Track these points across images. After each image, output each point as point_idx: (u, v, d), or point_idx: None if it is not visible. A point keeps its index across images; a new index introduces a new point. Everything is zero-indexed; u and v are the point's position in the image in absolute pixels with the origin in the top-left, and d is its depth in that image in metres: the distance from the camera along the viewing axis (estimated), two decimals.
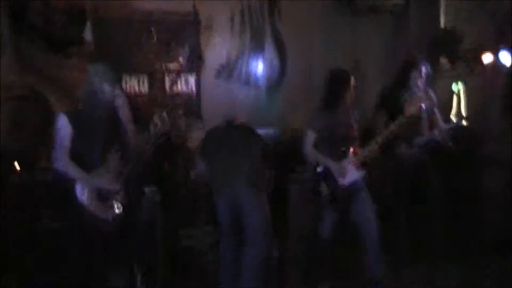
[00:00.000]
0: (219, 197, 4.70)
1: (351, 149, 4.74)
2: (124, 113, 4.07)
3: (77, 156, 3.82)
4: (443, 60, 6.88)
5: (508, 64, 6.23)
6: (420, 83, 5.48)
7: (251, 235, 4.56)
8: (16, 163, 5.03)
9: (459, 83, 6.75)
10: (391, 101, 5.42)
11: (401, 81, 5.57)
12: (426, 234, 5.75)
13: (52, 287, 4.55)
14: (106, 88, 3.88)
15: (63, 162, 3.79)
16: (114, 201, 3.90)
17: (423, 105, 4.78)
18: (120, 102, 4.03)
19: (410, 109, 4.70)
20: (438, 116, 5.69)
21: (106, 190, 3.86)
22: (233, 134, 4.80)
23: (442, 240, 5.66)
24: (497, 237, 5.77)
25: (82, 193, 3.81)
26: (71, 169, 3.78)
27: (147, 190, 4.86)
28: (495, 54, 6.31)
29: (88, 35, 5.52)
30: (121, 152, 3.95)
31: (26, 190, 4.92)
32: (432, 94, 5.53)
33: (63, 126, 3.80)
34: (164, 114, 4.01)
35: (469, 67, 6.60)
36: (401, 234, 5.72)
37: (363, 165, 4.72)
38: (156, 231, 4.93)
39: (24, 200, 4.89)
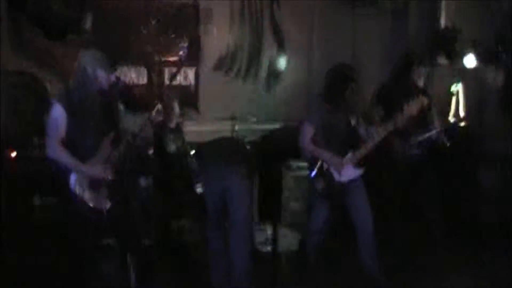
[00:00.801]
0: (208, 186, 4.81)
1: (349, 146, 4.74)
2: (119, 101, 4.06)
3: (71, 144, 3.79)
4: (441, 59, 6.88)
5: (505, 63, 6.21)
6: (419, 81, 5.48)
7: (236, 222, 4.64)
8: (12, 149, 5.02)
9: (458, 84, 6.75)
10: (389, 98, 5.41)
11: (399, 78, 5.57)
12: (422, 232, 5.78)
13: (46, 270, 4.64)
14: (100, 75, 3.83)
15: (56, 151, 3.76)
16: (108, 191, 3.89)
17: (422, 104, 4.76)
18: (115, 89, 3.99)
19: (409, 109, 4.68)
20: (435, 114, 5.70)
21: (100, 179, 3.84)
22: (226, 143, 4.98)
23: (439, 238, 5.67)
24: (495, 235, 5.78)
25: (76, 182, 3.80)
26: (64, 158, 3.76)
27: (141, 180, 4.86)
28: (493, 53, 6.29)
29: (87, 24, 5.48)
30: (115, 140, 3.91)
31: (21, 168, 4.98)
32: (429, 93, 5.55)
33: (58, 115, 3.76)
34: (160, 106, 3.99)
35: (467, 66, 6.58)
36: (397, 232, 5.74)
37: (360, 162, 4.72)
38: (150, 221, 4.94)
39: (19, 178, 4.94)
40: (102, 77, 3.84)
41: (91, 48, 4.01)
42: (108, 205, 3.89)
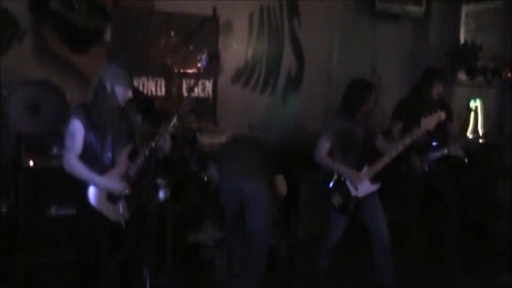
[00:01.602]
0: (226, 190, 4.77)
1: (366, 160, 4.73)
2: (135, 116, 4.09)
3: (90, 157, 3.82)
4: (462, 74, 6.85)
5: None
6: (439, 95, 5.46)
7: (252, 230, 4.62)
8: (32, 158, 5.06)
9: (477, 100, 6.72)
10: (408, 112, 5.41)
11: (419, 93, 5.57)
12: (439, 245, 5.75)
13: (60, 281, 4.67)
14: (118, 91, 3.85)
15: (73, 164, 3.78)
16: (126, 204, 3.90)
17: (439, 118, 4.73)
18: (133, 103, 4.02)
19: (426, 124, 4.65)
20: (454, 130, 5.67)
21: (117, 192, 3.86)
22: (246, 143, 4.91)
23: (455, 252, 5.65)
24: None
25: (94, 195, 3.83)
26: (81, 171, 3.78)
27: (160, 192, 4.88)
28: None
29: (108, 35, 5.53)
30: (133, 153, 3.93)
31: (39, 176, 4.98)
32: (449, 108, 5.52)
33: (75, 129, 3.78)
34: (175, 119, 4.01)
35: (488, 81, 6.54)
36: (413, 244, 5.73)
37: (377, 176, 4.70)
38: (166, 229, 4.96)
39: (37, 187, 4.95)
40: (120, 93, 3.86)
41: (111, 63, 4.03)
42: (126, 218, 3.91)
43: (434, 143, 5.43)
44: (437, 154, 5.43)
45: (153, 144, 3.93)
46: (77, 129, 3.78)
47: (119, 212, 3.89)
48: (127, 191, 3.88)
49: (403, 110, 5.58)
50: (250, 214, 4.61)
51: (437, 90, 5.54)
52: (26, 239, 4.95)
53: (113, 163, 3.87)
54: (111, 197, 3.86)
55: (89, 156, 3.82)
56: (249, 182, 4.64)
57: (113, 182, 3.84)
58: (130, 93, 3.93)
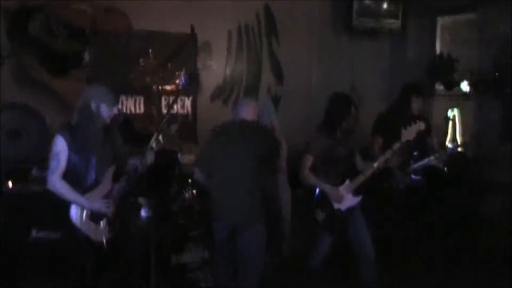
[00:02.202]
0: (218, 221, 4.52)
1: (348, 175, 4.75)
2: (118, 135, 4.09)
3: (73, 177, 3.82)
4: (439, 86, 6.93)
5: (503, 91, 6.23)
6: (418, 109, 5.51)
7: (244, 260, 4.49)
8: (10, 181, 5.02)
9: (455, 109, 6.79)
10: (388, 127, 5.43)
11: (398, 108, 5.61)
12: (422, 258, 5.76)
13: None
14: (103, 110, 3.88)
15: (56, 184, 3.79)
16: (108, 224, 3.90)
17: (419, 129, 4.78)
18: (116, 124, 4.05)
19: (406, 136, 4.70)
20: (433, 141, 5.71)
21: (100, 213, 3.86)
22: (237, 138, 4.46)
23: (439, 264, 5.66)
24: (495, 261, 5.74)
25: (77, 215, 3.81)
26: (64, 191, 3.79)
27: (142, 211, 4.84)
28: (491, 80, 6.32)
29: (86, 57, 5.52)
30: (116, 173, 3.95)
31: (19, 200, 4.94)
32: (428, 121, 5.57)
33: (60, 149, 3.79)
34: (160, 138, 4.01)
35: (465, 93, 6.61)
36: (397, 257, 5.72)
37: (359, 190, 4.72)
38: (150, 249, 4.91)
39: (17, 211, 4.90)
40: (105, 112, 3.89)
41: (95, 84, 4.05)
42: (108, 237, 3.89)
43: (415, 153, 5.46)
44: (418, 165, 5.46)
45: (138, 164, 3.94)
46: (61, 150, 3.79)
47: (101, 232, 3.87)
48: (109, 211, 3.88)
49: (383, 126, 5.61)
50: (244, 233, 4.40)
51: (416, 105, 5.58)
52: (7, 264, 4.88)
53: (96, 184, 3.88)
54: (94, 217, 3.85)
55: (72, 176, 3.82)
56: (243, 218, 4.38)
57: (96, 202, 3.84)
58: (115, 110, 3.96)
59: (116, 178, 3.94)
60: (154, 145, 4.03)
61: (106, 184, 3.90)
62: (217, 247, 4.64)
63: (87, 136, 3.83)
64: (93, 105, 3.85)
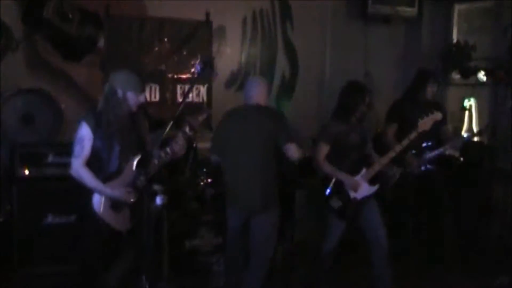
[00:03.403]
0: (232, 207, 4.59)
1: (364, 163, 4.73)
2: (145, 123, 4.06)
3: (96, 162, 3.82)
4: (455, 74, 6.87)
5: None
6: (433, 96, 5.47)
7: (256, 247, 4.54)
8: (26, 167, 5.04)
9: (471, 99, 6.74)
10: (403, 114, 5.42)
11: (413, 95, 5.57)
12: (436, 246, 5.76)
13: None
14: (130, 97, 3.84)
15: (79, 171, 3.79)
16: (129, 213, 3.90)
17: (436, 119, 4.76)
18: (142, 112, 4.01)
19: (422, 126, 4.68)
20: (448, 131, 5.68)
21: (121, 201, 3.85)
22: (248, 120, 4.49)
23: (452, 253, 5.66)
24: (508, 251, 5.73)
25: (98, 202, 3.82)
26: (87, 178, 3.79)
27: (157, 199, 4.86)
28: (507, 68, 6.25)
29: (100, 43, 5.50)
30: (141, 162, 3.90)
31: (34, 185, 5.00)
32: (444, 109, 5.53)
33: (84, 135, 3.79)
34: (188, 131, 3.97)
35: (481, 81, 6.55)
36: (410, 245, 5.73)
37: (375, 179, 4.70)
38: (163, 236, 4.93)
39: (33, 195, 4.98)
40: (132, 98, 3.85)
41: (121, 69, 3.98)
42: (128, 226, 3.91)
43: (424, 144, 5.43)
44: (433, 154, 5.43)
45: (163, 153, 3.91)
46: (85, 135, 3.78)
47: (121, 221, 3.89)
48: (132, 200, 3.87)
49: (398, 112, 5.60)
50: (258, 219, 4.47)
51: (431, 91, 5.55)
52: (23, 249, 4.93)
53: (119, 171, 3.86)
54: (116, 206, 3.86)
55: (95, 162, 3.82)
56: (257, 203, 4.43)
57: (118, 191, 3.83)
58: (142, 98, 3.92)
59: (142, 166, 3.88)
60: (187, 130, 3.96)
61: (129, 172, 3.86)
62: (230, 234, 4.68)
63: (111, 123, 3.79)
64: (120, 92, 3.81)
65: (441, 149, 5.46)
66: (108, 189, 3.81)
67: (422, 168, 5.48)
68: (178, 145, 3.94)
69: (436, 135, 5.47)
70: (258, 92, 4.56)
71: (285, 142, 4.41)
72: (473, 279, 5.40)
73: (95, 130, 3.78)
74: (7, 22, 5.07)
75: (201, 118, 4.11)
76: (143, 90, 3.96)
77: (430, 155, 5.42)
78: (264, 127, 4.43)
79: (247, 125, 4.46)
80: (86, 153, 3.79)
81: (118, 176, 3.85)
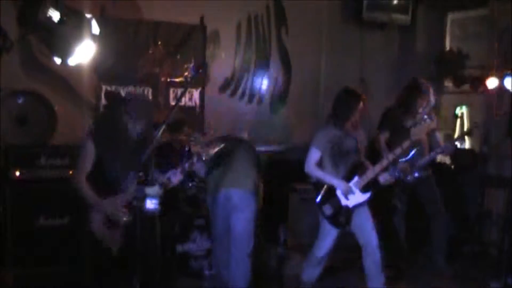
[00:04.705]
0: (214, 195, 4.72)
1: (357, 171, 4.74)
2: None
3: (97, 177, 3.89)
4: (448, 82, 6.90)
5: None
6: (425, 107, 5.48)
7: (236, 233, 4.64)
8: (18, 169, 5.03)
9: (463, 107, 6.78)
10: (395, 123, 5.44)
11: (405, 103, 5.59)
12: (427, 251, 5.78)
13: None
14: (138, 126, 3.95)
15: (79, 184, 3.88)
16: (122, 233, 3.91)
17: (428, 128, 4.79)
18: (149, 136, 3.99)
19: (416, 134, 4.71)
20: (439, 138, 5.70)
21: (116, 219, 3.88)
22: (237, 147, 4.82)
23: (442, 258, 5.68)
24: (499, 256, 5.76)
25: (94, 218, 3.89)
26: (85, 192, 3.87)
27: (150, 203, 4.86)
28: (500, 76, 6.28)
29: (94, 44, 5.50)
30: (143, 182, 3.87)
31: (26, 187, 5.00)
32: (435, 117, 5.55)
33: (89, 151, 3.88)
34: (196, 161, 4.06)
35: (474, 89, 6.58)
36: (402, 251, 5.75)
37: (367, 186, 4.71)
38: (155, 238, 4.93)
39: (25, 197, 4.99)
40: (140, 127, 3.97)
41: (132, 96, 4.24)
42: (119, 244, 3.93)
43: (412, 151, 5.45)
44: (424, 160, 5.45)
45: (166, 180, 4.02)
46: (88, 150, 3.88)
47: (114, 240, 3.90)
48: (125, 219, 3.89)
49: (390, 120, 5.61)
50: (236, 216, 4.62)
51: (421, 102, 5.55)
52: (16, 250, 4.93)
53: (120, 187, 3.91)
54: (109, 223, 3.89)
55: (97, 176, 3.89)
56: (238, 187, 4.64)
57: (113, 208, 3.87)
58: (149, 126, 3.98)
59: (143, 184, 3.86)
60: (194, 160, 4.06)
61: (129, 192, 3.89)
62: (216, 236, 4.80)
63: (114, 144, 3.91)
64: (126, 120, 3.93)
65: (432, 154, 5.47)
66: (104, 206, 3.87)
67: (416, 174, 5.49)
68: (177, 179, 4.06)
69: (428, 141, 5.50)
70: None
71: None
72: (464, 284, 5.43)
73: (98, 145, 3.88)
74: (1, 22, 5.07)
75: (211, 151, 4.15)
76: (150, 118, 4.04)
77: (421, 161, 5.44)
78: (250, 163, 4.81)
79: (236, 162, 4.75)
80: (88, 166, 3.89)
81: (119, 193, 3.90)
